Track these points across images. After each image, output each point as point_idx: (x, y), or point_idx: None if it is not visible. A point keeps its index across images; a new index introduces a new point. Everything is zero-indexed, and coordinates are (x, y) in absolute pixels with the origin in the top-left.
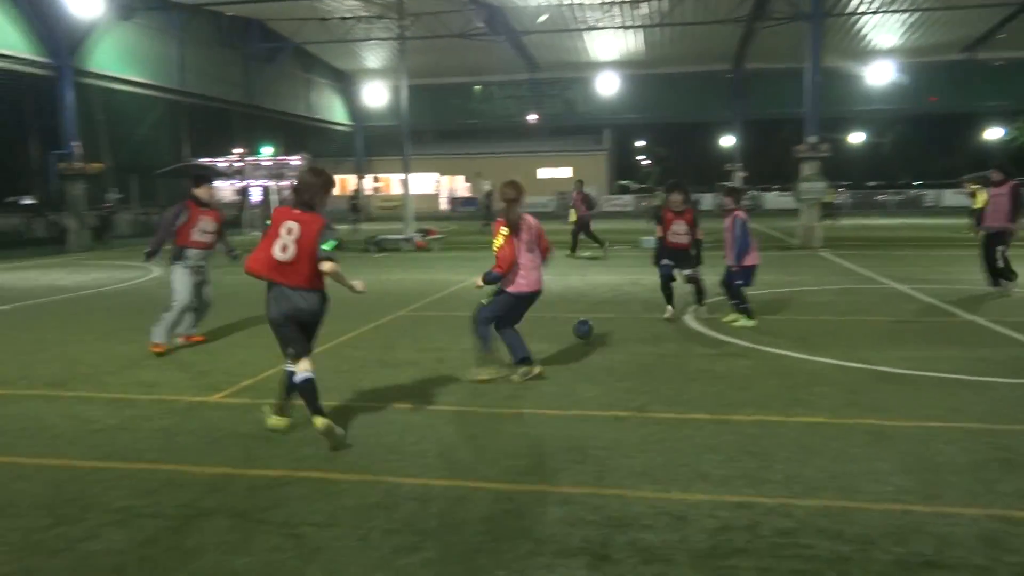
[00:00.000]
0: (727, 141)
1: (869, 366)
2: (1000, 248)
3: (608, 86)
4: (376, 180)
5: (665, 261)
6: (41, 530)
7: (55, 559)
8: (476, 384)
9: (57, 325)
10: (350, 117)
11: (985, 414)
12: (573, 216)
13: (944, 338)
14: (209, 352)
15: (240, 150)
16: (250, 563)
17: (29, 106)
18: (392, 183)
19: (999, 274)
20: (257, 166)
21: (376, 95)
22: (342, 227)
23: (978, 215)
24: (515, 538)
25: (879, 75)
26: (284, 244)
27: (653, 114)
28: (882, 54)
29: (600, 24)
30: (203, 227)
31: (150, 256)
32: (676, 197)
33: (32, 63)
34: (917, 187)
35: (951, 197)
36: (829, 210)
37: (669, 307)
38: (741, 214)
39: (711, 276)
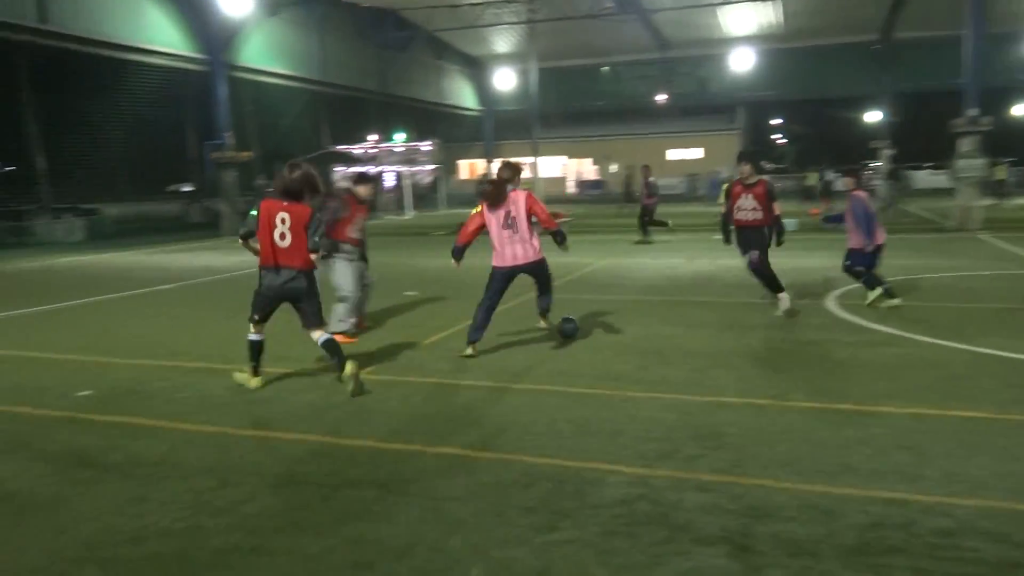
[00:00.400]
0: (872, 117)
1: None
2: None
3: (742, 62)
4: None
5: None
6: (208, 491)
7: (220, 518)
8: (607, 366)
9: (213, 303)
10: (479, 102)
11: None
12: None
13: None
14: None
15: (374, 137)
16: (395, 532)
17: (187, 100)
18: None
19: None
20: (390, 152)
21: (505, 79)
22: (469, 211)
23: None
24: (651, 523)
25: None
26: (282, 232)
27: (790, 90)
28: None
29: None
30: (358, 224)
31: (327, 256)
32: (745, 167)
33: (190, 59)
34: None
35: None
36: (998, 188)
37: (782, 295)
38: (860, 194)
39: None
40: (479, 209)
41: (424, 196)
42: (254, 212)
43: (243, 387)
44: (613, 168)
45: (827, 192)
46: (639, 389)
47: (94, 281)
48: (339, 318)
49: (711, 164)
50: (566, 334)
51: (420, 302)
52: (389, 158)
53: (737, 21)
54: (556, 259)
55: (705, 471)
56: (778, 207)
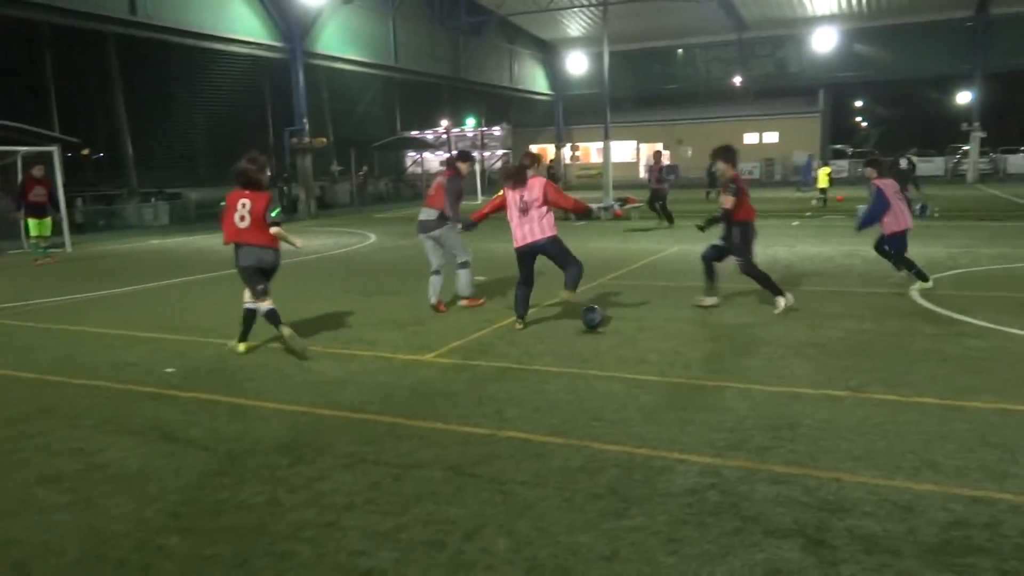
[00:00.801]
0: (962, 98)
1: None
2: None
3: (824, 42)
4: (574, 149)
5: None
6: (283, 468)
7: (295, 494)
8: (677, 354)
9: (291, 286)
10: (550, 87)
11: None
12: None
13: None
14: (420, 315)
15: (445, 122)
16: (463, 514)
17: (267, 87)
18: (591, 152)
19: None
20: (462, 137)
21: (577, 63)
22: (497, 195)
23: None
24: (721, 513)
25: None
26: (242, 215)
27: (874, 71)
28: None
29: None
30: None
31: (468, 227)
32: (721, 165)
33: (269, 47)
34: None
35: None
36: None
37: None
38: (879, 183)
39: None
40: (501, 193)
41: (495, 181)
42: (223, 203)
43: (232, 351)
44: (688, 152)
45: (909, 178)
46: (710, 378)
47: (177, 263)
48: (466, 282)
49: (787, 148)
50: (588, 324)
51: (487, 286)
52: (460, 143)
53: (819, 0)
54: (629, 246)
55: (777, 462)
56: (728, 200)
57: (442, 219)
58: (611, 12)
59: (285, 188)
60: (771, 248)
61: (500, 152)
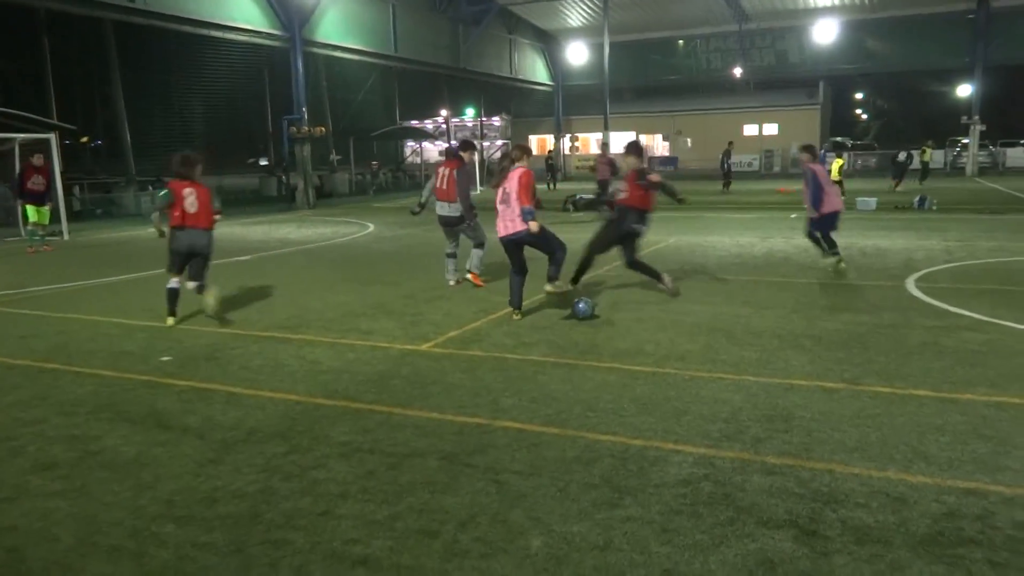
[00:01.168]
0: (963, 91)
1: None
2: None
3: (825, 34)
4: (574, 140)
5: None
6: (279, 456)
7: (290, 482)
8: (672, 345)
9: (288, 274)
10: (550, 77)
11: None
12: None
13: None
14: (417, 304)
15: (444, 112)
16: (458, 503)
17: (265, 75)
18: (589, 142)
19: None
20: (461, 127)
21: (577, 54)
22: (540, 187)
23: None
24: (715, 503)
25: None
26: (191, 202)
27: (875, 63)
28: None
29: None
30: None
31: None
32: (631, 159)
33: (269, 35)
34: None
35: None
36: None
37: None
38: (812, 167)
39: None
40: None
41: (494, 171)
42: (164, 192)
43: (164, 325)
44: (687, 143)
45: (904, 170)
46: (705, 369)
47: None
48: (478, 260)
49: (787, 140)
50: (577, 315)
51: (487, 276)
52: (459, 133)
53: None
54: None
55: (771, 454)
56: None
57: (461, 219)
58: (612, 2)
59: (284, 177)
60: (769, 240)
61: (499, 143)
